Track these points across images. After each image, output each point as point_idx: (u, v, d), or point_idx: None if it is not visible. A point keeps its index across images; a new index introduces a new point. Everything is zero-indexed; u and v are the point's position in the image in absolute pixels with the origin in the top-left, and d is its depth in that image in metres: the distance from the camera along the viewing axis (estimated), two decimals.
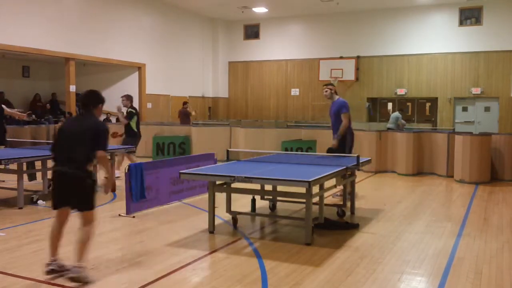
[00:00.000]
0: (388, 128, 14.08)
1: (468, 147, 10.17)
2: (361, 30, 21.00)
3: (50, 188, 4.78)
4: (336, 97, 8.20)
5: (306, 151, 11.61)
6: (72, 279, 4.23)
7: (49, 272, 4.36)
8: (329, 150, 7.82)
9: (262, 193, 6.75)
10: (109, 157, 8.73)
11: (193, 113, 17.50)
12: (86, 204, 4.36)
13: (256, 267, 4.72)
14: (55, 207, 4.43)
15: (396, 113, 15.22)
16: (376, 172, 11.54)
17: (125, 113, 10.19)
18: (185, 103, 17.49)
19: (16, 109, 12.13)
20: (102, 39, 17.24)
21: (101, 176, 4.84)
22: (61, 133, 4.51)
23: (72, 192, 4.33)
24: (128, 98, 10.40)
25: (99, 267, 4.69)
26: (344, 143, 7.98)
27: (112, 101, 18.98)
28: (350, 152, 7.90)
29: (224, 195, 6.49)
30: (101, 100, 4.66)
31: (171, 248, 5.31)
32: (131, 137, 10.20)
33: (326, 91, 8.16)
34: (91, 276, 4.31)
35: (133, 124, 10.18)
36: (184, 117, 16.99)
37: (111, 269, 4.63)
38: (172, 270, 4.61)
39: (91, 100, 4.58)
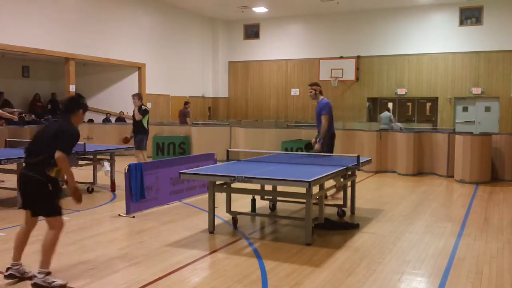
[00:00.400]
0: (381, 129, 14.05)
1: (469, 147, 10.16)
2: (361, 30, 20.99)
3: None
4: (321, 97, 8.17)
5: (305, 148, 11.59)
6: (35, 286, 4.08)
7: (8, 276, 4.23)
8: (307, 146, 7.91)
9: (262, 193, 6.75)
10: (107, 160, 8.72)
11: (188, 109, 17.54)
12: (44, 209, 4.23)
13: (256, 267, 4.71)
14: (23, 208, 4.35)
15: (386, 113, 15.21)
16: (376, 172, 11.53)
17: (137, 110, 10.29)
18: (186, 103, 17.50)
19: (15, 109, 12.14)
20: (102, 39, 17.24)
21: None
22: (34, 136, 4.44)
23: (30, 195, 4.24)
24: (140, 97, 10.50)
25: (99, 267, 4.69)
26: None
27: (112, 100, 19.13)
28: (328, 152, 7.88)
29: (224, 195, 6.49)
30: (81, 106, 4.48)
31: (171, 248, 5.30)
32: (143, 134, 10.37)
33: (311, 92, 8.18)
34: (58, 281, 4.12)
35: (145, 121, 10.33)
36: (183, 117, 16.99)
37: (111, 269, 4.62)
38: (172, 270, 4.60)
39: (71, 105, 4.45)
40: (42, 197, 4.20)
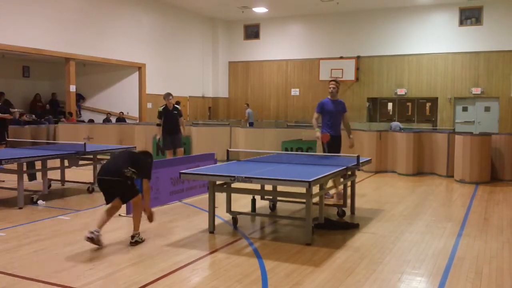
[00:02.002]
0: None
1: (468, 147, 10.16)
2: (361, 30, 21.00)
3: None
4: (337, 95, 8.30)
5: (306, 151, 11.60)
6: (135, 243, 5.36)
7: (88, 239, 5.14)
8: (334, 148, 7.90)
9: (262, 193, 6.75)
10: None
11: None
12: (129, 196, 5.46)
13: (256, 267, 4.72)
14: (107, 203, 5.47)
15: (395, 122, 15.18)
16: (376, 172, 11.53)
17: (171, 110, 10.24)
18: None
19: (16, 109, 12.14)
20: (102, 39, 17.25)
21: None
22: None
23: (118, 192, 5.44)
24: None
25: (99, 267, 4.69)
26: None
27: (112, 101, 19.14)
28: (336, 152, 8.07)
29: (224, 195, 6.49)
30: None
31: (171, 248, 5.31)
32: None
33: (334, 88, 8.12)
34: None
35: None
36: None
37: (111, 269, 4.63)
38: (172, 270, 4.60)
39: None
40: (125, 190, 5.36)
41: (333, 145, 7.99)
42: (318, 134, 7.96)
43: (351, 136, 8.29)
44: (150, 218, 5.62)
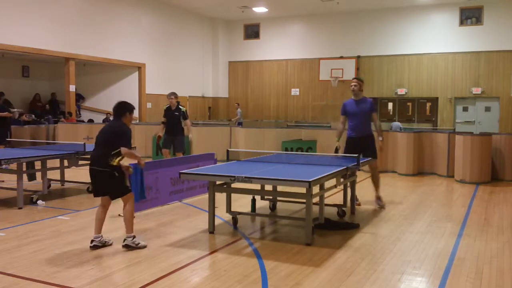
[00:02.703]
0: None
1: (469, 147, 10.16)
2: (362, 29, 20.99)
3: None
4: (361, 94, 7.61)
5: (306, 151, 11.59)
6: (126, 246, 5.16)
7: (93, 247, 5.17)
8: (359, 151, 7.17)
9: (262, 193, 6.74)
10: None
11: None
12: (117, 193, 5.23)
13: (256, 267, 4.71)
14: (95, 196, 5.35)
15: (396, 123, 14.96)
16: None
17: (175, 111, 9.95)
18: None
19: (16, 109, 12.12)
20: (102, 39, 17.23)
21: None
22: (97, 135, 5.43)
23: (103, 186, 5.25)
24: (177, 95, 10.15)
25: (99, 267, 4.68)
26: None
27: (112, 100, 19.10)
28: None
29: (224, 195, 6.48)
30: (127, 109, 5.35)
31: (171, 248, 5.30)
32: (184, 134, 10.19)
33: (356, 86, 7.46)
34: (142, 243, 5.21)
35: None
36: None
37: (111, 269, 4.62)
38: (172, 270, 4.60)
39: (119, 110, 5.32)
40: (113, 184, 5.15)
41: (356, 148, 7.31)
42: (337, 144, 7.60)
43: (380, 138, 7.60)
44: (141, 162, 5.40)
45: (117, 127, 5.20)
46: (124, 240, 5.21)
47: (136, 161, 5.38)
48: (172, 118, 9.97)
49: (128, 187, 5.28)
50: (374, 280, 4.41)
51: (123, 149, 5.04)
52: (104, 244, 5.25)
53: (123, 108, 5.32)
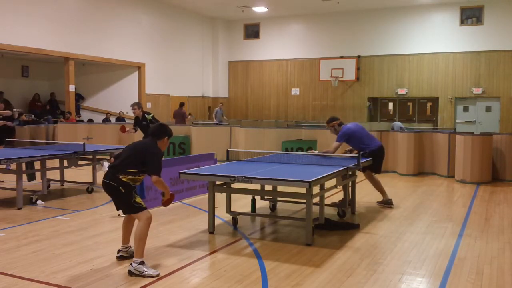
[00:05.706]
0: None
1: (469, 147, 10.14)
2: (362, 29, 20.97)
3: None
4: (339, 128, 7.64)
5: (306, 151, 11.57)
6: (129, 273, 4.49)
7: (119, 258, 4.90)
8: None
9: (262, 193, 6.72)
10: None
11: (189, 116, 17.48)
12: (125, 209, 4.75)
13: (256, 267, 4.70)
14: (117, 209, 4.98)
15: (397, 123, 14.49)
16: None
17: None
18: (182, 104, 17.50)
19: (15, 109, 12.10)
20: (101, 39, 17.22)
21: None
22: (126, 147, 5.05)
23: (113, 199, 4.81)
24: (140, 105, 10.03)
25: (98, 267, 4.67)
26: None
27: (112, 100, 19.11)
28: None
29: (224, 195, 6.47)
30: (166, 133, 4.87)
31: (171, 249, 5.29)
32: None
33: (330, 129, 7.68)
34: (149, 271, 4.44)
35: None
36: (181, 118, 16.98)
37: (111, 269, 4.61)
38: (172, 271, 4.58)
39: (158, 132, 4.86)
40: (119, 199, 4.71)
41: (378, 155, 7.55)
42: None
43: (316, 152, 7.85)
44: (167, 202, 4.89)
45: (151, 148, 4.72)
46: (132, 264, 4.53)
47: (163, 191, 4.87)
48: (142, 127, 9.96)
49: (139, 205, 4.65)
50: (375, 280, 4.40)
51: (154, 177, 4.58)
52: (132, 255, 4.75)
53: (163, 132, 4.87)
